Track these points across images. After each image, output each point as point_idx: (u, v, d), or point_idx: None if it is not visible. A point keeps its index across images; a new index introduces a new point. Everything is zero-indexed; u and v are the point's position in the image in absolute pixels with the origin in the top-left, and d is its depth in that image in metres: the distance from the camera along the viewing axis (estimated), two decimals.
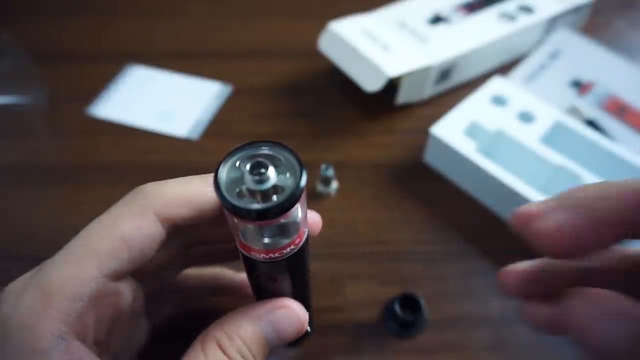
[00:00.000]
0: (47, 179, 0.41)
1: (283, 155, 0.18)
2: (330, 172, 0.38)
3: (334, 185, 0.40)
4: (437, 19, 0.48)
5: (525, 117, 0.41)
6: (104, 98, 0.47)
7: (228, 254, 0.27)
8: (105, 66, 0.50)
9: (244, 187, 0.18)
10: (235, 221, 0.18)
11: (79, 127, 0.45)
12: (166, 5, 0.59)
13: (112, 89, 0.48)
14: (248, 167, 0.17)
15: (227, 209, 0.17)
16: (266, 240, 0.19)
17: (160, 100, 0.47)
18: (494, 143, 0.40)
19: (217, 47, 0.54)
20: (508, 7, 0.50)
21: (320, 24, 0.47)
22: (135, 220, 0.19)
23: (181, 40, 0.54)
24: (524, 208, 0.17)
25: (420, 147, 0.43)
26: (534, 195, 0.35)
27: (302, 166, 0.18)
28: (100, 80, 0.49)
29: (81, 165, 0.42)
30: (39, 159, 0.42)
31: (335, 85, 0.49)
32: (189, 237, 0.25)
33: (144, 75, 0.50)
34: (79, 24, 0.56)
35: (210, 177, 0.19)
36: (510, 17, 0.49)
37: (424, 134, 0.41)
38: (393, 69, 0.41)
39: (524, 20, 0.49)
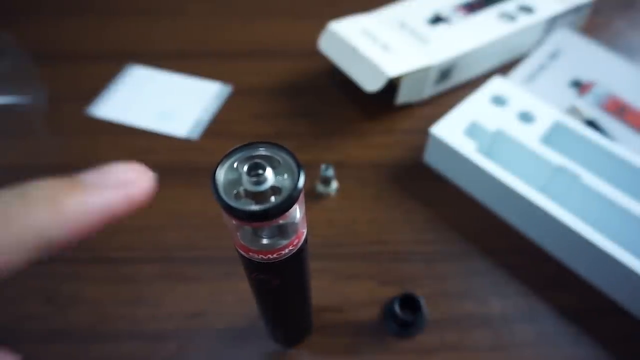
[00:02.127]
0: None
1: (281, 156, 0.18)
2: (330, 172, 0.38)
3: (334, 185, 0.40)
4: (437, 19, 0.48)
5: (525, 117, 0.41)
6: (104, 98, 0.47)
7: None
8: (105, 66, 0.50)
9: (241, 189, 0.18)
10: (233, 222, 0.18)
11: (78, 127, 0.45)
12: (166, 5, 0.59)
13: (112, 89, 0.48)
14: (245, 168, 0.17)
15: (224, 210, 0.17)
16: (264, 241, 0.19)
17: (160, 100, 0.47)
18: (494, 143, 0.40)
19: (217, 47, 0.54)
20: (508, 7, 0.50)
21: (320, 24, 0.47)
22: None
23: (181, 40, 0.54)
24: None
25: (420, 147, 0.43)
26: (534, 195, 0.35)
27: (299, 167, 0.18)
28: (100, 80, 0.49)
29: (81, 165, 0.42)
30: (39, 159, 0.42)
31: (335, 85, 0.49)
32: None
33: (144, 75, 0.50)
34: (79, 24, 0.56)
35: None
36: (510, 17, 0.49)
37: (424, 134, 0.41)
38: (393, 69, 0.41)
39: (524, 20, 0.49)
